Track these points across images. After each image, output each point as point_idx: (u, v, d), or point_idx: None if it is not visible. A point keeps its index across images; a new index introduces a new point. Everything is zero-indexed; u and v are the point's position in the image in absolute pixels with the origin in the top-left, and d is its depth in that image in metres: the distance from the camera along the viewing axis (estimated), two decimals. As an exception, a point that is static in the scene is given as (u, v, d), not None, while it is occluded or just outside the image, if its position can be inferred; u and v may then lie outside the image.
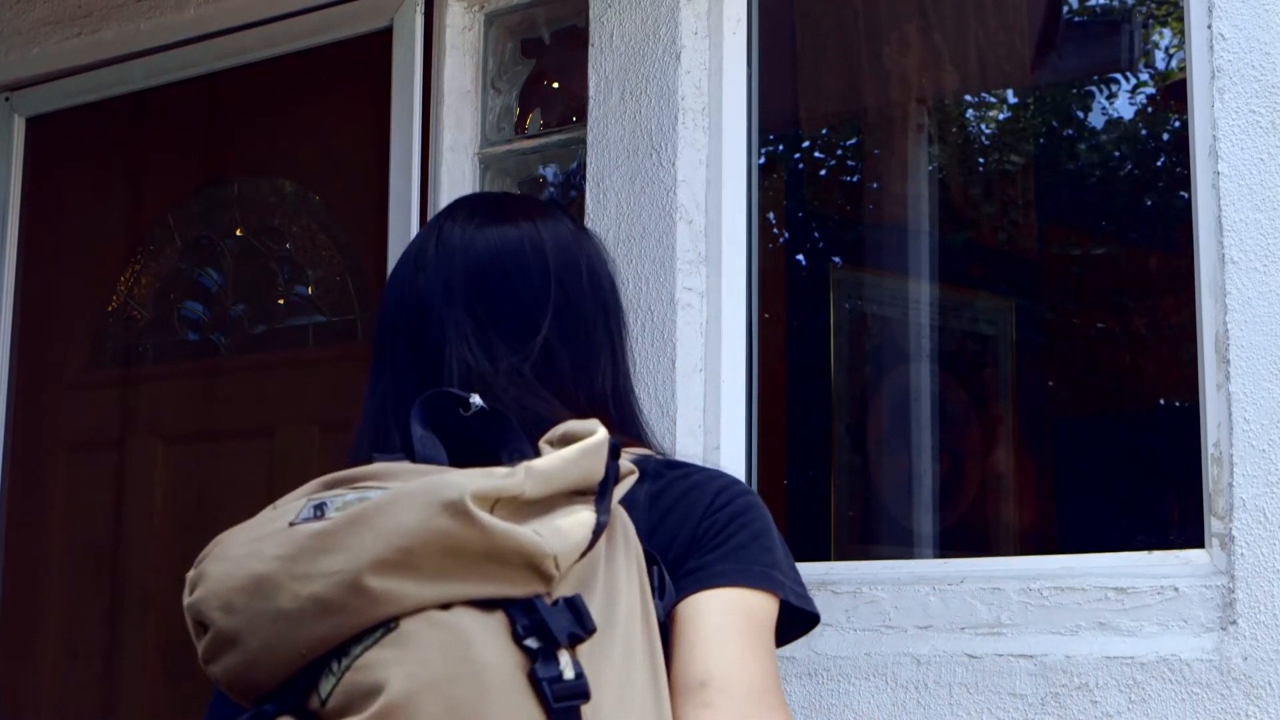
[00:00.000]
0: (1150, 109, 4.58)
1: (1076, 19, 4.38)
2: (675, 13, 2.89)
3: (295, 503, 1.38)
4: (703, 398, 2.82)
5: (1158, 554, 2.40)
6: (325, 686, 1.29)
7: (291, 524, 1.34)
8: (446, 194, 3.22)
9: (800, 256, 4.58)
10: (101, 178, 3.95)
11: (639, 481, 1.50)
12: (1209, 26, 2.38)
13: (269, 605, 1.30)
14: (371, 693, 1.26)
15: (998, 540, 4.26)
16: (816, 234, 4.71)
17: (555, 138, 3.22)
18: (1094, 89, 4.62)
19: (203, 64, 3.72)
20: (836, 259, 4.68)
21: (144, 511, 3.74)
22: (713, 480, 1.58)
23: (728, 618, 1.47)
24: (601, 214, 2.91)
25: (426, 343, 1.60)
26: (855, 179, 4.81)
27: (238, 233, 3.77)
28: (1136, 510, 4.02)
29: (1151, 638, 2.31)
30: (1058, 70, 4.40)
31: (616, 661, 1.33)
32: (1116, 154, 4.76)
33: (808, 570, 2.67)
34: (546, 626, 1.28)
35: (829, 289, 4.32)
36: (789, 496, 3.82)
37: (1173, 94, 4.31)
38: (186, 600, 1.37)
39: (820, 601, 2.57)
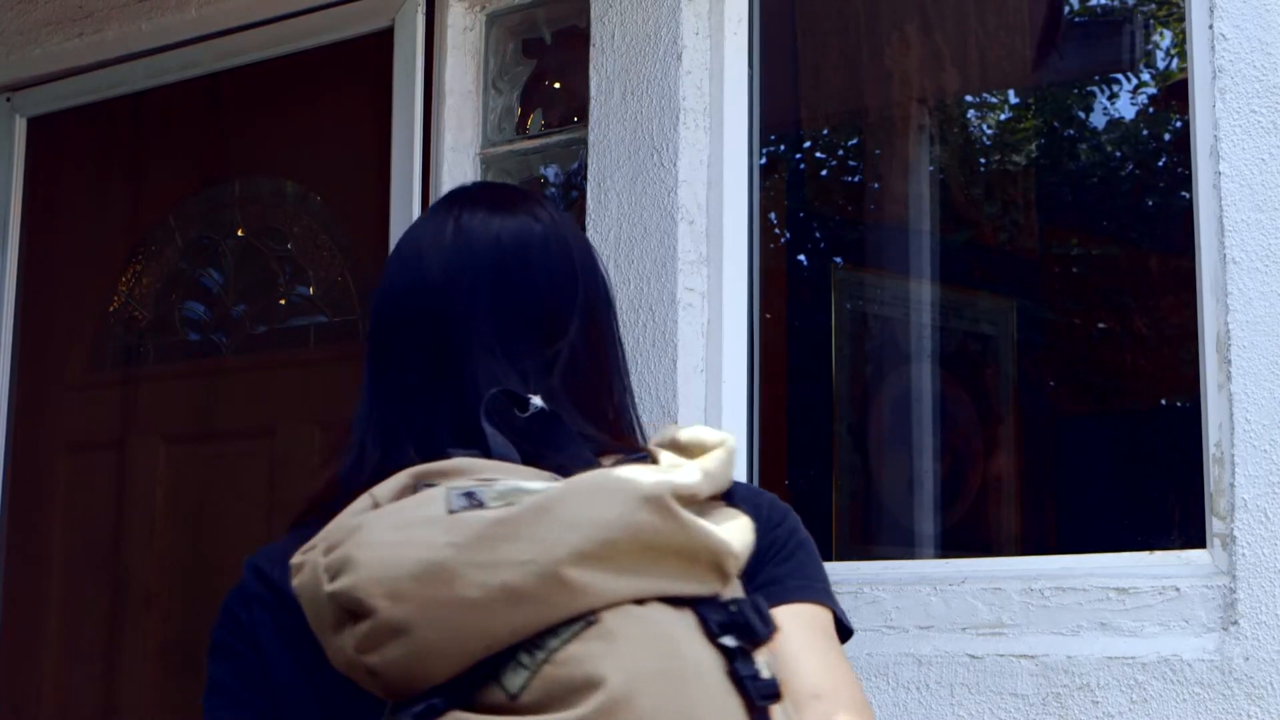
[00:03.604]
0: (1151, 109, 4.58)
1: (1077, 19, 4.38)
2: (676, 13, 2.89)
3: (427, 493, 1.31)
4: (704, 398, 2.81)
5: (1159, 554, 2.40)
6: (514, 680, 1.23)
7: (451, 512, 1.27)
8: (448, 194, 3.22)
9: (801, 257, 4.58)
10: (102, 178, 3.95)
11: None
12: (1210, 27, 2.38)
13: (448, 594, 1.23)
14: (585, 687, 1.21)
15: (999, 540, 4.25)
16: (817, 234, 4.71)
17: (556, 138, 3.22)
18: (1095, 89, 4.62)
19: (204, 64, 3.72)
20: (837, 259, 4.68)
21: (145, 511, 3.74)
22: (759, 495, 1.54)
23: (812, 632, 1.46)
24: (603, 214, 2.91)
25: (445, 349, 1.50)
26: (856, 179, 4.81)
27: (239, 233, 3.77)
28: (1137, 510, 4.02)
29: (1153, 638, 2.31)
30: (1059, 70, 4.40)
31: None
32: (1118, 154, 4.76)
33: (809, 570, 2.68)
34: (747, 624, 1.27)
35: (830, 289, 4.31)
36: (790, 497, 3.80)
37: (1174, 94, 4.31)
38: (328, 586, 1.27)
39: (821, 602, 2.58)
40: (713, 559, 1.28)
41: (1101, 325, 4.71)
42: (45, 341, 3.96)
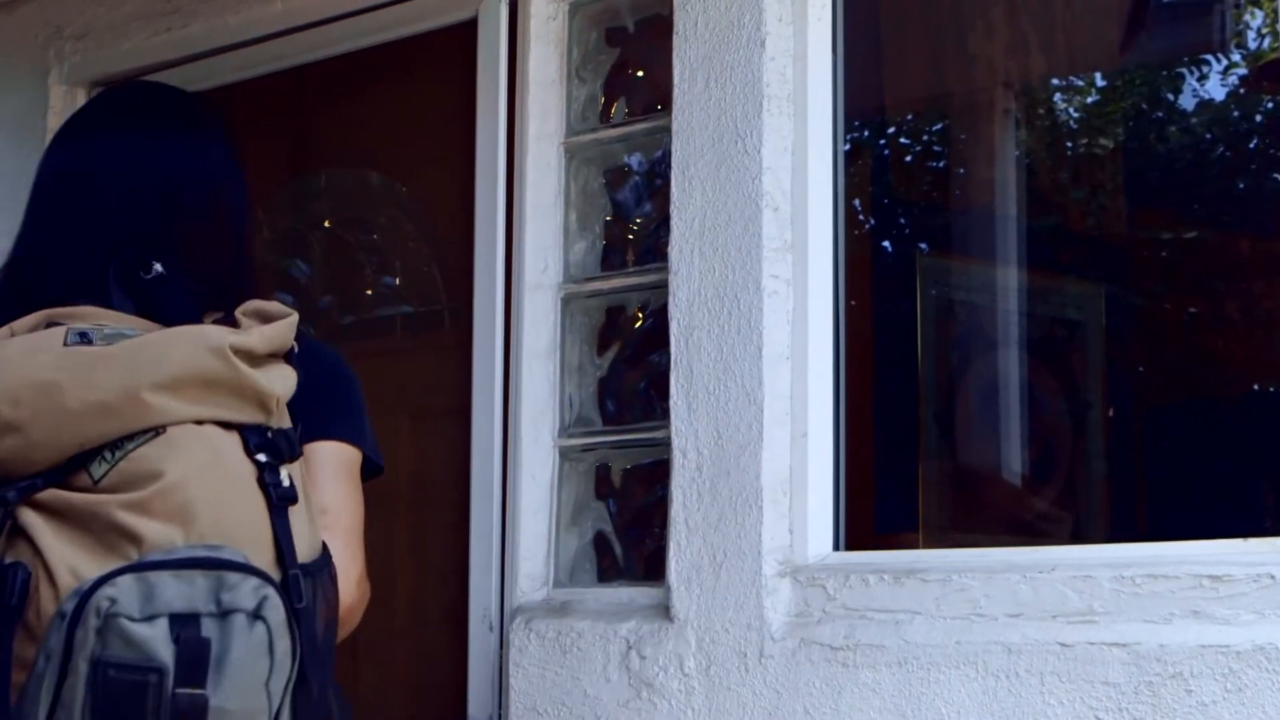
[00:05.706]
0: (1242, 90, 4.51)
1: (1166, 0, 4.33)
2: (760, -1, 2.88)
3: (53, 329, 1.77)
4: (790, 385, 2.81)
5: (1253, 541, 2.37)
6: (98, 469, 1.70)
7: (66, 344, 1.74)
8: (532, 184, 3.23)
9: (886, 243, 4.57)
10: (191, 171, 3.98)
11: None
12: (1303, 5, 2.34)
13: (55, 403, 1.70)
14: (150, 476, 1.68)
15: (1089, 527, 4.22)
16: (902, 220, 4.70)
17: (640, 126, 3.22)
18: (1184, 70, 4.57)
19: (289, 57, 3.75)
20: (923, 245, 4.66)
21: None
22: (318, 353, 2.03)
23: (336, 464, 2.00)
24: (687, 202, 2.91)
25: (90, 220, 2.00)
26: (941, 165, 4.79)
27: (325, 224, 3.80)
28: (1230, 497, 3.97)
29: (1247, 626, 2.28)
30: (1147, 52, 4.35)
31: (301, 480, 1.81)
32: (1208, 136, 4.70)
33: (896, 558, 2.67)
34: (277, 446, 1.77)
35: (915, 276, 4.29)
36: (876, 484, 3.80)
37: (1265, 74, 4.25)
38: None
39: (909, 589, 2.57)
40: (258, 397, 1.75)
41: (1192, 310, 4.65)
42: (136, 333, 4.01)
